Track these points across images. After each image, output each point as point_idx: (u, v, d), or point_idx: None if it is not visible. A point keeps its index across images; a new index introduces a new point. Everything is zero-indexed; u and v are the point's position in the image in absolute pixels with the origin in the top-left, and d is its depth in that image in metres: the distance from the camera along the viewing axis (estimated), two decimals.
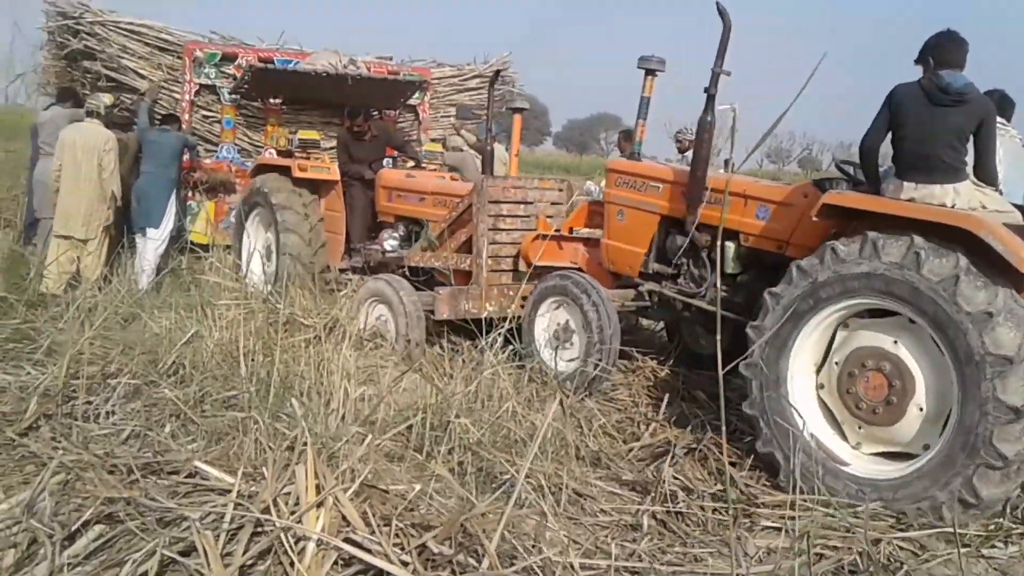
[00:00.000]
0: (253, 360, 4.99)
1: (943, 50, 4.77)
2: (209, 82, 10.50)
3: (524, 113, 8.39)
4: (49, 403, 4.65)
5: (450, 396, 4.43)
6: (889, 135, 4.93)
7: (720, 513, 3.93)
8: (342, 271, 8.47)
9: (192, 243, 10.00)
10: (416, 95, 10.93)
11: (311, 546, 2.83)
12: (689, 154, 10.26)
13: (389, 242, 8.26)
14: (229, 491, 3.47)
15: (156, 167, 9.30)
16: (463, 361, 5.49)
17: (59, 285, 8.28)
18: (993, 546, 3.82)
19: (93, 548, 3.04)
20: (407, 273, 7.65)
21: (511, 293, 7.04)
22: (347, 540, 2.81)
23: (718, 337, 2.70)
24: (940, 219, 4.55)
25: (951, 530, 3.76)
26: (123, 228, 9.35)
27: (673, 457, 4.42)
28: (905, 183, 4.81)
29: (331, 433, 3.80)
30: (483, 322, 6.17)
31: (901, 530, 3.64)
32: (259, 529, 2.98)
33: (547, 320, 6.51)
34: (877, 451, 4.80)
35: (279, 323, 6.05)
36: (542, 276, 6.75)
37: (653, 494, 4.02)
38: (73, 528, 3.15)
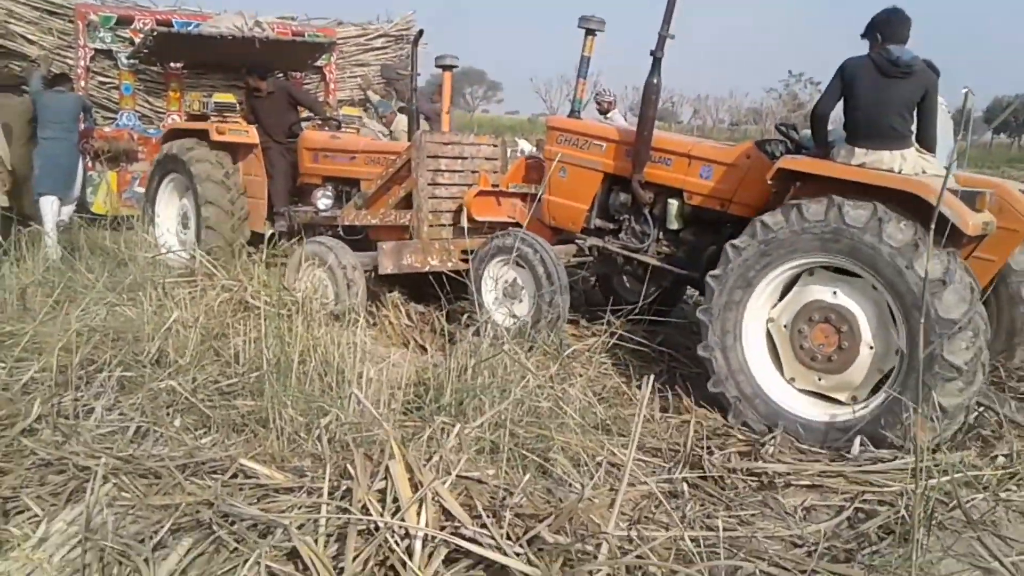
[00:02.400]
0: (245, 344, 4.79)
1: (890, 26, 4.98)
2: (105, 47, 9.81)
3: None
4: (43, 403, 4.32)
5: (459, 370, 4.39)
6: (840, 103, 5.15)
7: (753, 474, 4.03)
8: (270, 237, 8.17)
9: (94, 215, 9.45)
10: (323, 56, 10.53)
11: (418, 544, 2.79)
12: (612, 114, 10.44)
13: (323, 201, 8.00)
14: (290, 490, 3.39)
15: (58, 131, 8.72)
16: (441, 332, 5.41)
17: None
18: (1008, 489, 4.01)
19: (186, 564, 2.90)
20: (340, 233, 7.49)
21: (452, 248, 7.00)
22: (455, 534, 2.78)
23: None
24: (891, 184, 4.77)
25: (971, 475, 3.96)
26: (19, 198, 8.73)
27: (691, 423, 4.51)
28: (856, 149, 5.01)
29: (393, 421, 3.70)
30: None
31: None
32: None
33: (495, 278, 6.48)
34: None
35: (242, 300, 5.85)
36: (483, 232, 6.73)
37: (681, 458, 4.10)
38: (153, 543, 2.99)
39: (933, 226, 3.20)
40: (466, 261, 6.67)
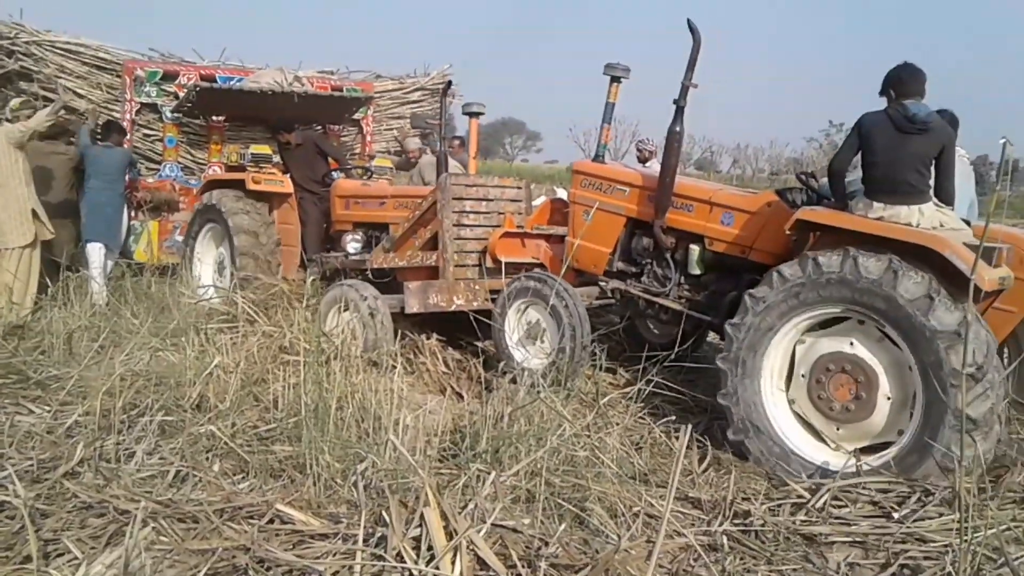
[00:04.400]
0: (284, 390, 4.79)
1: (902, 82, 4.97)
2: (150, 101, 10.01)
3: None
4: (86, 446, 4.33)
5: (495, 418, 4.35)
6: (858, 157, 5.13)
7: (796, 526, 3.85)
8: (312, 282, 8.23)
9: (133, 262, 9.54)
10: (360, 110, 10.67)
11: None
12: (651, 163, 10.45)
13: (352, 245, 8.07)
14: (325, 536, 3.36)
15: (104, 182, 8.90)
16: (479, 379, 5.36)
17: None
18: None
19: None
20: (369, 277, 7.53)
21: (476, 287, 7.00)
22: None
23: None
24: (907, 238, 4.76)
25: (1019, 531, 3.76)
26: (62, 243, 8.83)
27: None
28: (874, 203, 4.98)
29: (429, 468, 3.65)
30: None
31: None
32: None
33: (517, 318, 6.47)
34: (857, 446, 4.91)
35: (280, 346, 5.86)
36: (508, 272, 6.73)
37: (721, 511, 3.93)
38: None
39: (971, 287, 3.14)
40: (494, 301, 6.66)
